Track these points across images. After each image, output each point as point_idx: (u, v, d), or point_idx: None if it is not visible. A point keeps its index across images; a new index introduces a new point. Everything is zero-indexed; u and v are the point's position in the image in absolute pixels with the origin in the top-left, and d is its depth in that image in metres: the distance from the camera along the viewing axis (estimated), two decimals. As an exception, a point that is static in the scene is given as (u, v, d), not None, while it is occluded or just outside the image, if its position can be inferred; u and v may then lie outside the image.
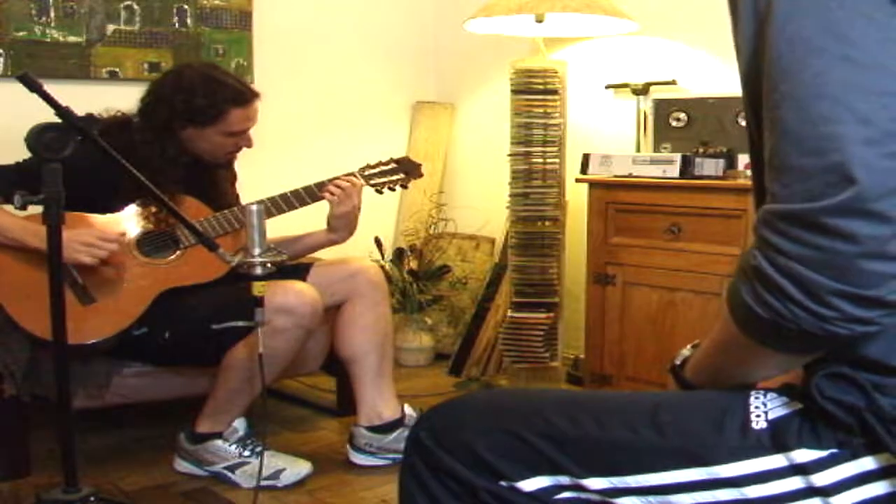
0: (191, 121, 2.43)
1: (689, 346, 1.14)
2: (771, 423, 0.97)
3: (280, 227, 2.50)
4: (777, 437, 0.96)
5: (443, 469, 1.07)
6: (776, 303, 0.86)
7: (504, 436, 1.06)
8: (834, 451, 0.94)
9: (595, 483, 1.02)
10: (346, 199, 2.50)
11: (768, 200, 0.87)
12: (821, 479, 0.94)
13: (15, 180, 2.21)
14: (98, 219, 2.37)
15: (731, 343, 0.98)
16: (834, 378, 0.94)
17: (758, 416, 0.98)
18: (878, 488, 0.93)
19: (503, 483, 1.05)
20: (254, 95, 2.50)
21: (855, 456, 0.93)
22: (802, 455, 0.94)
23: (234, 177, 2.70)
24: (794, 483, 0.95)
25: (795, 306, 0.84)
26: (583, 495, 1.03)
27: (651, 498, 1.00)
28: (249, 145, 2.55)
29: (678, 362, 1.13)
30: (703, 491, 0.98)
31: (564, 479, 1.03)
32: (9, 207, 2.09)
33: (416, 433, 1.12)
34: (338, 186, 2.50)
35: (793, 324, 0.86)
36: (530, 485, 1.04)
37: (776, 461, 0.95)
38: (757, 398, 1.00)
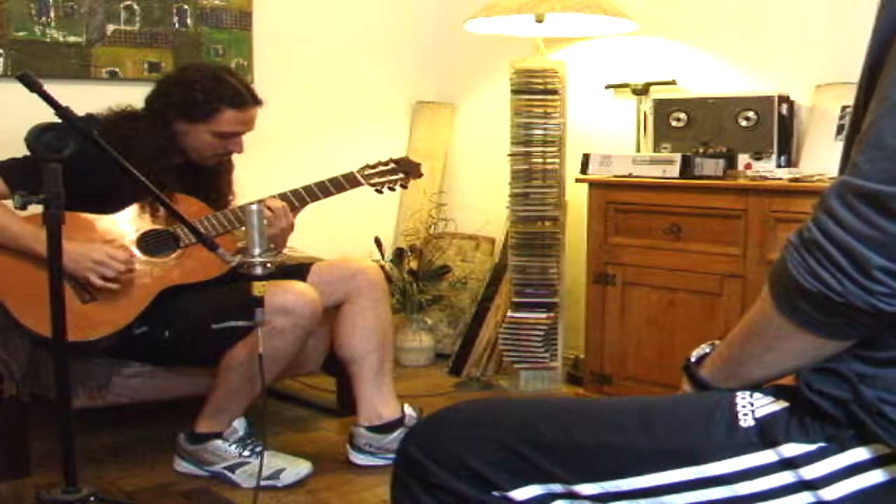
0: (184, 114, 2.43)
1: (706, 344, 1.14)
2: (758, 420, 0.98)
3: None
4: (765, 434, 0.97)
5: (434, 483, 1.07)
6: (825, 274, 0.87)
7: (494, 446, 1.06)
8: (822, 444, 0.95)
9: (587, 489, 1.02)
10: (275, 222, 2.42)
11: (848, 170, 0.88)
12: (810, 472, 0.94)
13: (28, 174, 2.19)
14: (100, 219, 2.38)
15: (763, 327, 0.98)
16: (821, 372, 0.95)
17: (745, 414, 0.99)
18: (868, 479, 0.94)
19: (495, 493, 1.04)
20: (254, 102, 2.50)
21: (843, 448, 0.94)
22: (791, 449, 0.95)
23: (230, 168, 2.68)
24: (785, 478, 0.96)
25: (845, 278, 0.86)
26: (576, 502, 1.03)
27: (643, 501, 1.01)
28: (240, 151, 2.54)
29: (693, 359, 1.12)
30: (695, 490, 0.98)
31: (557, 487, 1.03)
32: (9, 203, 2.09)
33: (406, 447, 1.11)
34: (269, 208, 2.39)
35: (840, 296, 0.87)
36: (522, 494, 1.04)
37: (765, 457, 0.96)
38: (744, 398, 1.01)
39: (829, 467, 0.94)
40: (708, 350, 1.12)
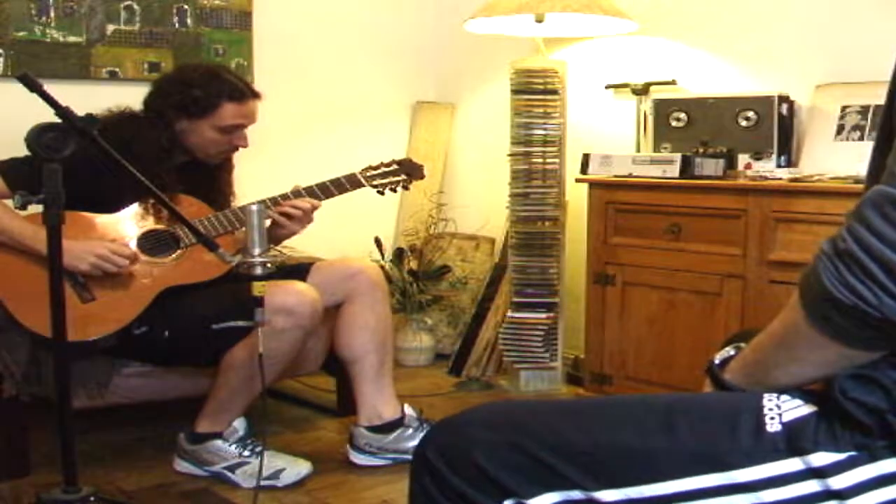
0: (185, 112, 2.44)
1: (731, 346, 1.12)
2: (785, 425, 0.96)
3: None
4: (792, 440, 0.94)
5: (453, 490, 1.05)
6: (860, 286, 0.85)
7: (512, 451, 1.03)
8: (852, 453, 0.93)
9: (609, 496, 0.99)
10: (298, 226, 2.49)
11: (884, 179, 0.86)
12: (838, 482, 0.92)
13: (28, 174, 2.20)
14: (100, 218, 2.38)
15: (792, 336, 0.96)
16: (858, 379, 0.93)
17: (772, 418, 0.96)
18: None
19: (511, 501, 1.02)
20: (253, 95, 2.51)
21: (874, 458, 0.92)
22: (819, 458, 0.93)
23: (230, 167, 2.68)
24: (811, 487, 0.93)
25: (882, 291, 0.84)
26: None
27: None
28: (244, 145, 2.55)
29: (717, 362, 1.10)
30: (720, 497, 0.96)
31: (576, 494, 1.00)
32: (9, 202, 2.09)
33: (423, 450, 1.09)
34: (296, 209, 2.46)
35: (876, 309, 0.85)
36: (540, 502, 1.01)
37: (792, 465, 0.94)
38: (770, 400, 0.98)
39: (858, 477, 0.92)
40: (732, 353, 1.09)
